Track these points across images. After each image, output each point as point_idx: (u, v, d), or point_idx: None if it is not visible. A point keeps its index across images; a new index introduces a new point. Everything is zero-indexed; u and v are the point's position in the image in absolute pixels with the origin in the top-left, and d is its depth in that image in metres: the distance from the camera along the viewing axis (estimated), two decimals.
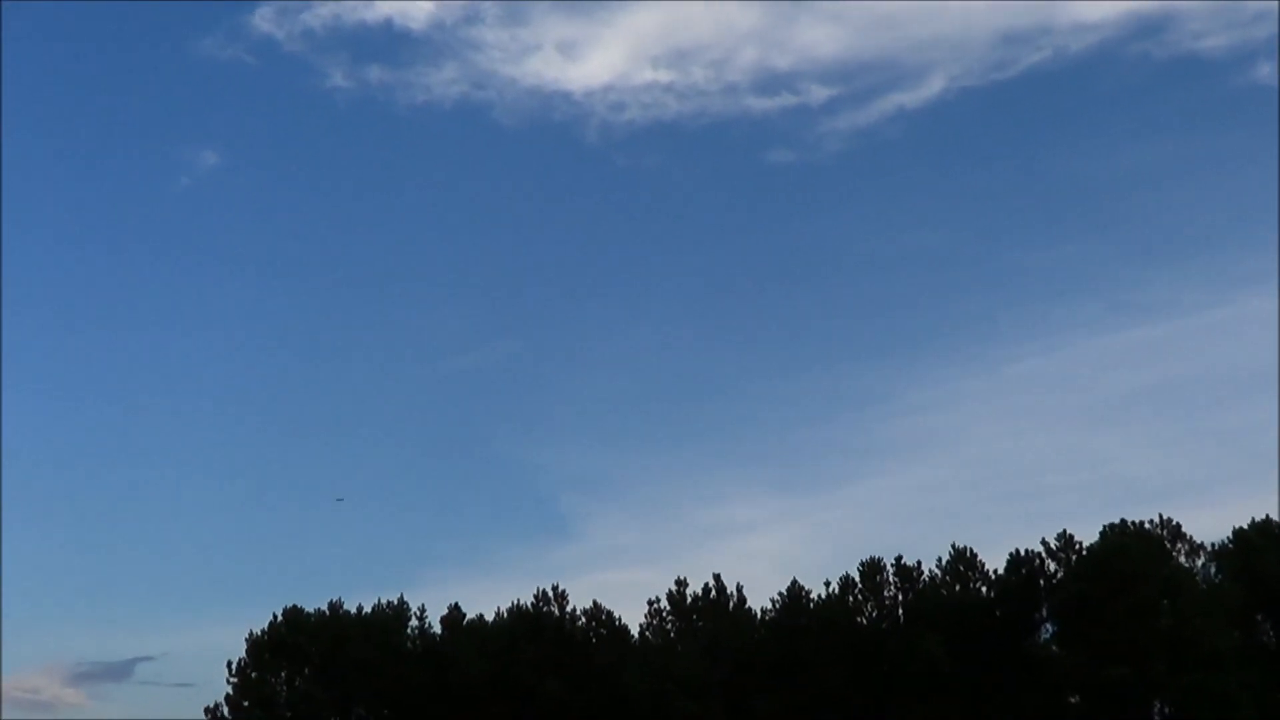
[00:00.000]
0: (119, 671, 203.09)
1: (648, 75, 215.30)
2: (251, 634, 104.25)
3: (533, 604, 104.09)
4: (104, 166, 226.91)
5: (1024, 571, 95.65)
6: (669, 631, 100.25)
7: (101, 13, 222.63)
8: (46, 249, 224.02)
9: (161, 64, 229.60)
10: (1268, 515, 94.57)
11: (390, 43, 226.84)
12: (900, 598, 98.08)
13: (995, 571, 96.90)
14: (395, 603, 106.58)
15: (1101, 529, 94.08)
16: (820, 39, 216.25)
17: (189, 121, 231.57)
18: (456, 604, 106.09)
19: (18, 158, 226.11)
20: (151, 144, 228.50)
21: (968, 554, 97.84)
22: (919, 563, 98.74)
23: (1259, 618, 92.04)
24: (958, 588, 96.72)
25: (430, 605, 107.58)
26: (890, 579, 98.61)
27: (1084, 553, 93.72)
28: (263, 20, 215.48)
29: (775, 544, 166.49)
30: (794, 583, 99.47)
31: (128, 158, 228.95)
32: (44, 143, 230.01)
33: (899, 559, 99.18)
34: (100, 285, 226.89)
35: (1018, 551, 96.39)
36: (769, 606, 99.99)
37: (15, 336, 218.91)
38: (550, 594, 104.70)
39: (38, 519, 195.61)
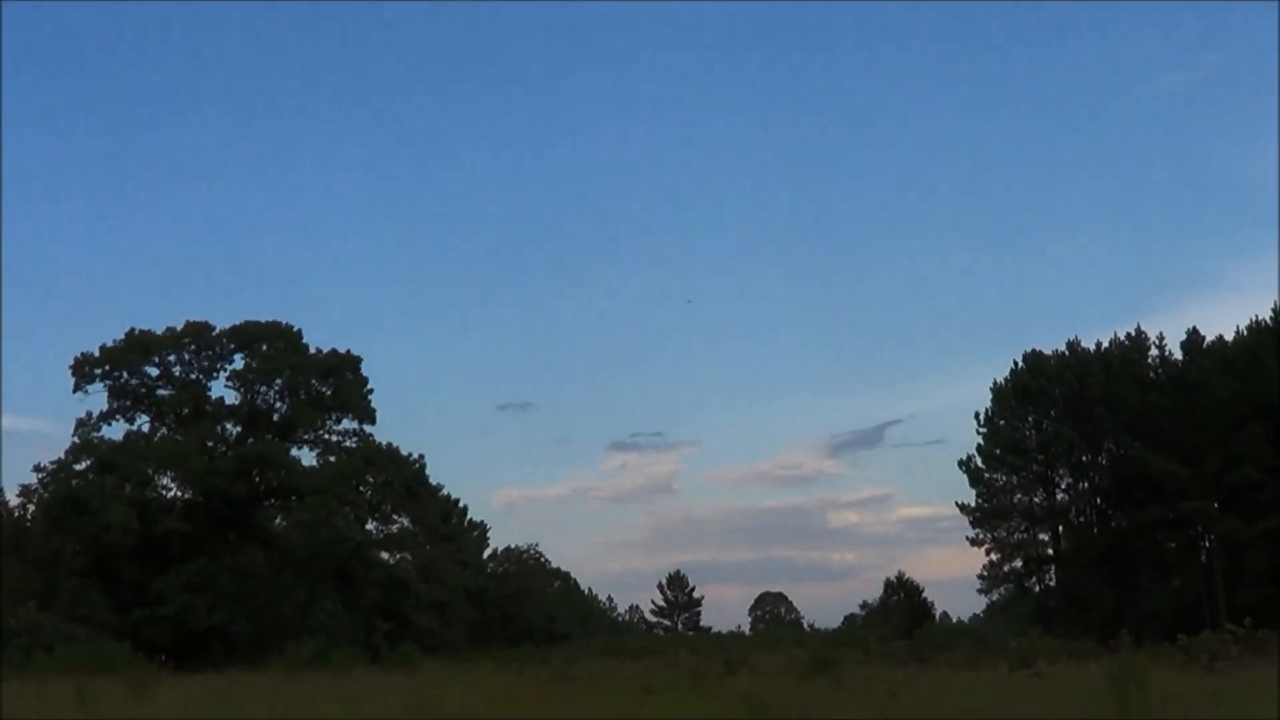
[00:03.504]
0: (871, 438, 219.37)
1: None
2: (995, 383, 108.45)
3: (1271, 318, 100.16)
4: None
5: None
6: None
7: None
8: None
9: None
10: None
11: None
12: None
13: None
14: (1133, 334, 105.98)
15: None
16: None
17: None
18: (1194, 327, 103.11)
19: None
20: None
21: None
22: None
23: None
24: None
25: (1168, 331, 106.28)
26: None
27: None
28: None
29: None
30: None
31: None
32: None
33: None
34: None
35: None
36: None
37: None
38: None
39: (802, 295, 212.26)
